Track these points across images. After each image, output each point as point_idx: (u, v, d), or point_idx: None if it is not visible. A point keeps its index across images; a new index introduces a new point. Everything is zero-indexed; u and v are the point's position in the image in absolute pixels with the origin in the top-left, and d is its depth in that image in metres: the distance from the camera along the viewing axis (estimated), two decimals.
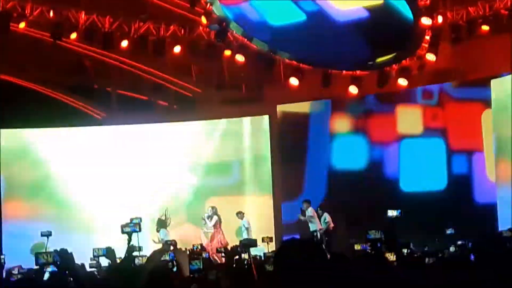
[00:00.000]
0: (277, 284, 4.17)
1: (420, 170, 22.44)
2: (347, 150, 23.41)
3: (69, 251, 7.79)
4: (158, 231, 20.87)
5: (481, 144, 21.61)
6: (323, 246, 18.65)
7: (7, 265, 13.48)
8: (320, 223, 20.99)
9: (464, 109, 21.99)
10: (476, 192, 21.64)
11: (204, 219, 21.57)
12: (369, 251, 9.89)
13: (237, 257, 11.82)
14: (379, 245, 9.13)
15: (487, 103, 21.44)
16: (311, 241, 4.92)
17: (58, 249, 7.99)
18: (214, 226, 21.37)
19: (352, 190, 22.38)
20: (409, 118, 22.97)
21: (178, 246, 17.66)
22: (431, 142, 22.61)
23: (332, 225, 21.02)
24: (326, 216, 21.10)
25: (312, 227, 20.93)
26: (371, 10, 19.08)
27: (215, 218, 21.42)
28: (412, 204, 20.20)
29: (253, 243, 15.80)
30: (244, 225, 21.64)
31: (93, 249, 10.19)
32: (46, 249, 12.99)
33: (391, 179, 22.84)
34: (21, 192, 22.95)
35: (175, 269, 10.29)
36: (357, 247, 12.34)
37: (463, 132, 22.04)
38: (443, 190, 22.12)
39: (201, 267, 8.96)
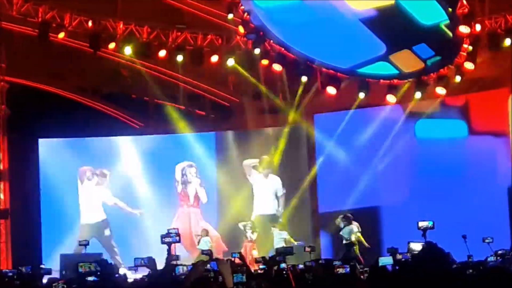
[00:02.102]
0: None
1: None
2: None
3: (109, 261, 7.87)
4: (201, 237, 21.18)
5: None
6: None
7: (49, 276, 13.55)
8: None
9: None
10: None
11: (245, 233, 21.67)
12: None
13: (276, 267, 11.86)
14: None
15: None
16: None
17: (99, 259, 8.09)
18: (255, 240, 21.53)
19: None
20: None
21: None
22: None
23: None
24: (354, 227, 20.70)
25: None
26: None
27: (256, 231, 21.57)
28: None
29: (288, 251, 15.84)
30: (280, 234, 21.69)
31: (134, 259, 10.25)
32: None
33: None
34: (59, 202, 23.06)
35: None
36: (398, 256, 12.41)
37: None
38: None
39: (244, 279, 9.02)
